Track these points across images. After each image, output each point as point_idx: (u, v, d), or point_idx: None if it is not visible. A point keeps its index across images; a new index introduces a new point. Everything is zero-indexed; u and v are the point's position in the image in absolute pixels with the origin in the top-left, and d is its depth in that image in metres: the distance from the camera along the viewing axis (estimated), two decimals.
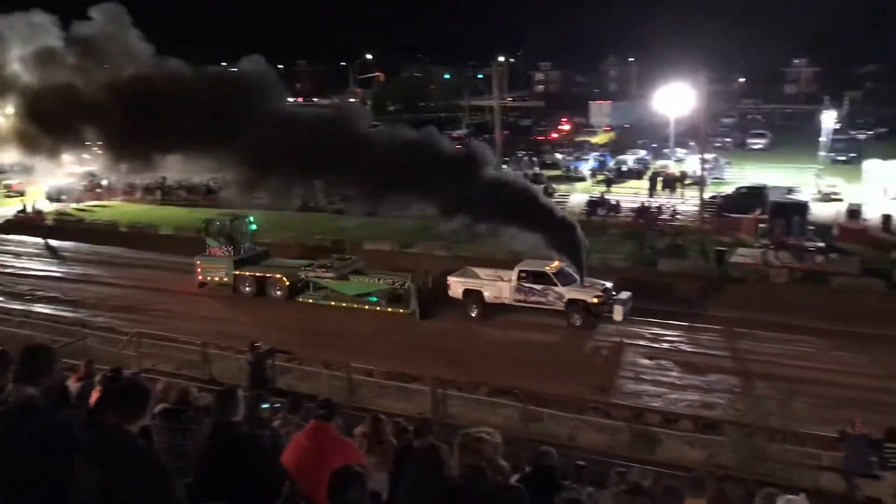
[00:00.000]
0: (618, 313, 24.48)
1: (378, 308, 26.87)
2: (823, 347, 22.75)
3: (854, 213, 35.16)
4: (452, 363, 21.52)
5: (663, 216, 36.80)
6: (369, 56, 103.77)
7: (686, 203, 39.66)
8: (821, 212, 35.76)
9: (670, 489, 5.99)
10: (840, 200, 39.08)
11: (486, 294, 26.11)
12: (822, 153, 51.53)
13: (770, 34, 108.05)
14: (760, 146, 64.62)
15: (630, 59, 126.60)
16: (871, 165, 42.35)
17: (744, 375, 21.11)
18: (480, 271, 27.30)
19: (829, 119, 53.17)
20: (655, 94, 50.24)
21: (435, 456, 6.63)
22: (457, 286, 26.52)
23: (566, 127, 78.66)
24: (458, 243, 33.81)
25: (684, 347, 23.39)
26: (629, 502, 5.97)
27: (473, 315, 26.02)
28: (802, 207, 32.79)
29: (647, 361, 22.34)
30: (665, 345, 23.59)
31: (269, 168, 23.54)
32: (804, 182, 42.89)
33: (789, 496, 6.12)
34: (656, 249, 32.18)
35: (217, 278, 29.53)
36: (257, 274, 29.15)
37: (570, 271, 25.45)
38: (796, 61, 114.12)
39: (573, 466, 9.42)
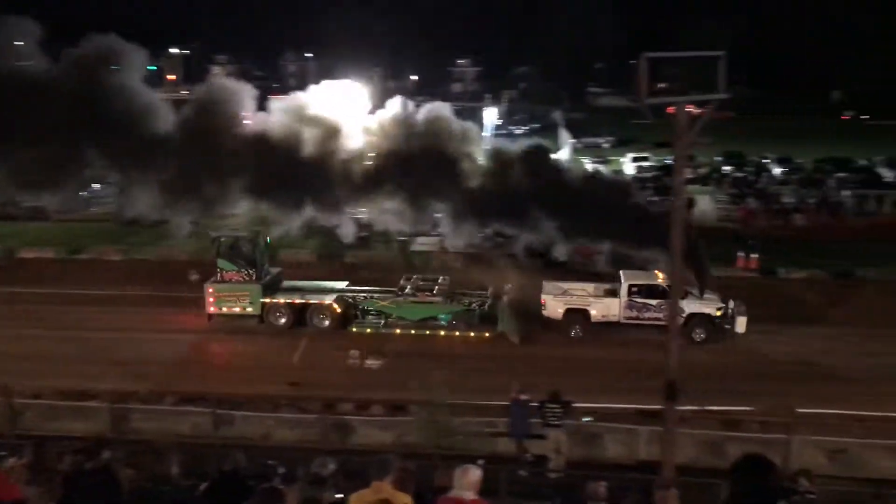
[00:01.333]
0: (741, 324, 22.58)
1: (458, 333, 23.71)
2: None
3: None
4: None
5: None
6: (21, 42, 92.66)
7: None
8: None
9: (354, 474, 6.16)
10: None
11: (593, 313, 23.47)
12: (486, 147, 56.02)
13: (439, 35, 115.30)
14: None
15: (308, 55, 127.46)
16: None
17: (432, 356, 22.27)
18: (565, 285, 24.59)
19: (490, 116, 57.99)
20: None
21: (109, 476, 6.17)
22: (555, 305, 23.67)
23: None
24: (135, 245, 31.83)
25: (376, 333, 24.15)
26: (312, 493, 6.03)
27: (579, 336, 23.38)
28: None
29: (338, 350, 22.78)
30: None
31: None
32: None
33: (466, 465, 6.54)
34: (343, 242, 32.86)
35: (238, 309, 24.51)
36: (296, 301, 24.61)
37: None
38: (461, 61, 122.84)
39: (264, 466, 9.30)
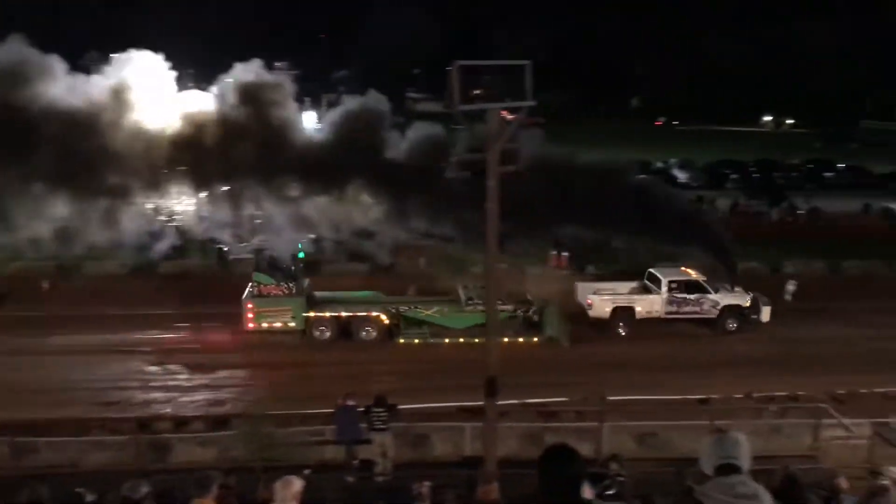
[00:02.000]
0: (766, 314, 24.52)
1: (506, 339, 22.30)
2: None
3: None
4: None
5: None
6: None
7: (182, 204, 39.18)
8: None
9: (168, 494, 5.90)
10: None
11: (638, 310, 24.40)
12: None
13: (256, 37, 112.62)
14: None
15: (113, 55, 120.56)
16: None
17: (252, 367, 21.75)
18: (597, 285, 25.65)
19: (310, 119, 57.34)
20: None
21: None
22: (603, 304, 24.43)
23: None
24: None
25: (192, 347, 23.14)
26: None
27: (623, 334, 24.23)
28: None
29: (153, 368, 21.73)
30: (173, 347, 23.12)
31: None
32: None
33: (287, 476, 6.45)
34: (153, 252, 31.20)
35: (279, 324, 23.41)
36: (342, 314, 23.52)
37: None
38: (278, 64, 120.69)
39: (71, 494, 8.71)
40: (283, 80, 24.10)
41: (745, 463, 3.70)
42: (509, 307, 24.10)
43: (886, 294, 26.62)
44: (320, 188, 22.28)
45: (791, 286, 27.54)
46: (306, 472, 9.68)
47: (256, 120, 21.67)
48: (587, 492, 3.80)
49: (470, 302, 24.28)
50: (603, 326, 24.38)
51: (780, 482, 9.07)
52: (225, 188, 22.68)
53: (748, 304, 24.75)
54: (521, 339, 23.53)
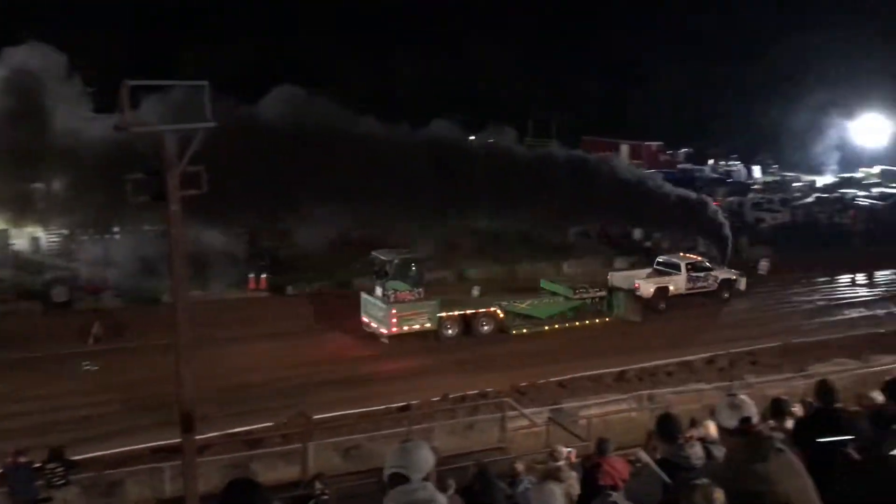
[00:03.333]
0: (742, 284, 30.73)
1: (587, 322, 27.56)
2: None
3: None
4: None
5: None
6: None
7: None
8: None
9: None
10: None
11: (671, 288, 29.43)
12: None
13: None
14: None
15: None
16: None
17: None
18: (625, 274, 30.64)
19: None
20: None
21: None
22: (647, 286, 29.14)
23: None
24: None
25: None
26: None
27: (662, 307, 29.05)
28: None
29: None
30: None
31: None
32: None
33: None
34: None
35: (418, 326, 25.50)
36: (468, 312, 26.38)
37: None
38: None
39: None
40: None
41: (415, 471, 3.76)
42: (603, 293, 28.60)
43: None
44: None
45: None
46: None
47: None
48: None
49: (578, 290, 28.18)
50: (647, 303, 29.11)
51: (473, 476, 9.70)
52: None
53: (735, 277, 30.96)
54: (597, 320, 27.77)
